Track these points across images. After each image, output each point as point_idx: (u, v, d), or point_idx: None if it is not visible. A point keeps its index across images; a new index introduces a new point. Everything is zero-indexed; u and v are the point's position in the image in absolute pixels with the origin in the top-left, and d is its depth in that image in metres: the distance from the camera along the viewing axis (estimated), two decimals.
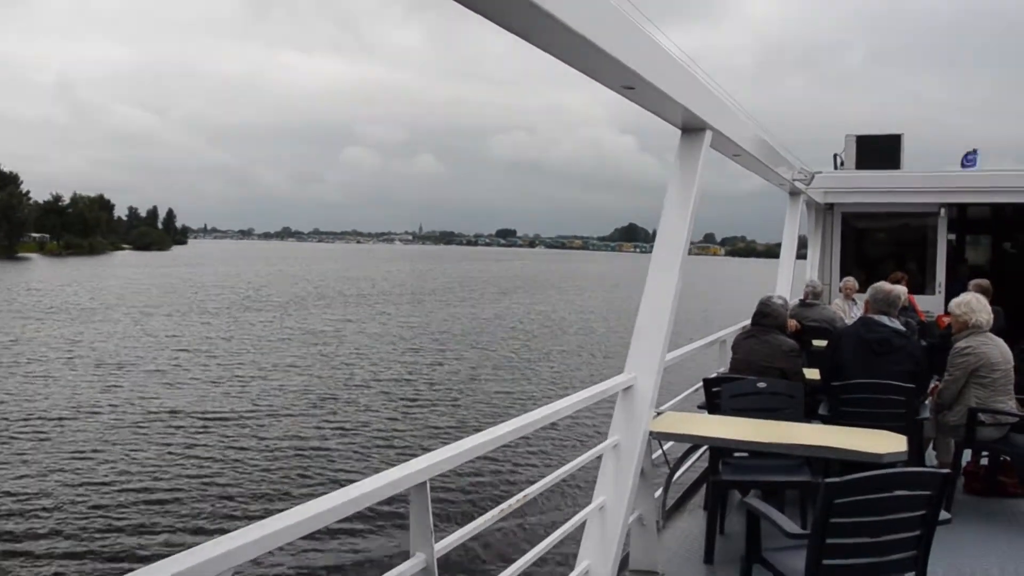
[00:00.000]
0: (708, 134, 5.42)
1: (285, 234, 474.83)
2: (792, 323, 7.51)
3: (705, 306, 48.12)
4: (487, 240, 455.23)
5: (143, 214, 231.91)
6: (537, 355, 29.47)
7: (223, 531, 2.24)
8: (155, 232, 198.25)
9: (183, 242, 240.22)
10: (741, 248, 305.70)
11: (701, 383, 6.33)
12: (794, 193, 11.23)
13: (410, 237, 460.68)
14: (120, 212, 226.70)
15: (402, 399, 20.46)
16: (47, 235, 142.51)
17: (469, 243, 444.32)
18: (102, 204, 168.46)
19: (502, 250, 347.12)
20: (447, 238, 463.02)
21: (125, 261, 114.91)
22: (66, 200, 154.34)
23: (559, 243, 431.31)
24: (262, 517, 2.27)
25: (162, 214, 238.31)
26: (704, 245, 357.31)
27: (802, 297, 9.76)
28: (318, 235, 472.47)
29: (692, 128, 5.39)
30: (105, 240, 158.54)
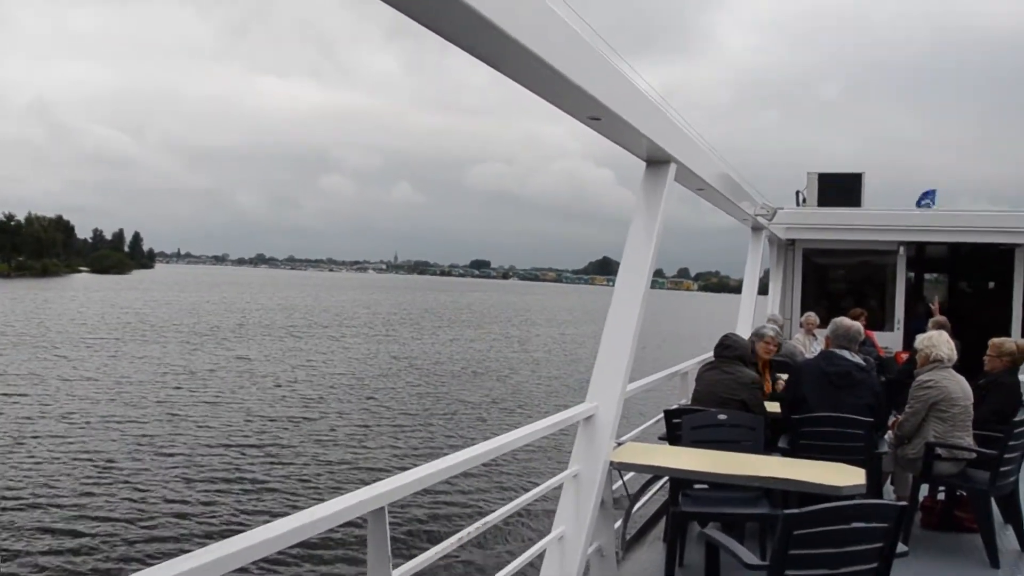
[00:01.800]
0: (672, 167, 5.45)
1: (259, 260, 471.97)
2: (764, 346, 7.57)
3: (669, 339, 47.93)
4: (461, 271, 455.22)
5: (109, 236, 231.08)
6: (500, 384, 29.18)
7: (171, 557, 2.13)
8: (115, 255, 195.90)
9: (148, 266, 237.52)
10: (714, 283, 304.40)
11: (662, 414, 6.31)
12: (756, 228, 11.28)
13: (384, 267, 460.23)
14: (87, 234, 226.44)
15: (361, 425, 20.20)
16: None
17: (443, 273, 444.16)
18: (59, 225, 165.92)
19: (475, 281, 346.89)
20: (421, 268, 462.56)
21: (71, 284, 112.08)
22: (20, 220, 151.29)
23: (533, 275, 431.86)
24: (213, 542, 2.22)
25: (133, 237, 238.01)
26: (678, 280, 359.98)
27: None
28: (292, 262, 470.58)
29: (656, 160, 5.42)
30: (60, 262, 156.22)
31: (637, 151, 5.24)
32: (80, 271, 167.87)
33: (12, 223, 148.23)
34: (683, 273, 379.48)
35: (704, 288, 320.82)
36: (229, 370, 29.54)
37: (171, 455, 16.43)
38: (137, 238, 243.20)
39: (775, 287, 12.98)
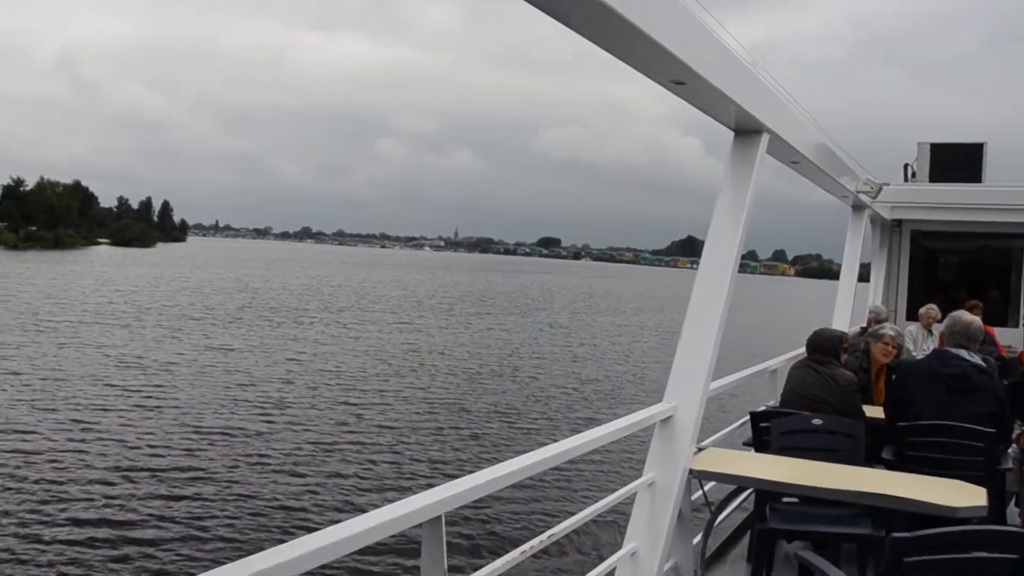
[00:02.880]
0: (764, 137, 5.43)
1: (305, 234, 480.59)
2: (882, 348, 7.45)
3: (758, 331, 46.84)
4: (527, 249, 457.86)
5: (136, 206, 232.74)
6: (571, 380, 28.85)
7: (217, 564, 2.22)
8: (137, 226, 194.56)
9: (179, 239, 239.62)
10: (815, 268, 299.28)
11: (748, 417, 6.32)
12: (858, 207, 11.20)
13: (442, 243, 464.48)
14: (113, 202, 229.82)
15: (417, 425, 20.14)
16: (5, 224, 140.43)
17: (507, 252, 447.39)
18: (75, 192, 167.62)
19: (543, 261, 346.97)
20: (483, 245, 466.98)
21: (79, 258, 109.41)
22: (30, 185, 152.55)
23: (608, 255, 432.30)
24: (257, 551, 2.29)
25: (162, 207, 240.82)
26: (772, 263, 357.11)
27: (864, 324, 9.66)
28: (341, 237, 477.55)
29: (746, 130, 5.42)
30: (76, 233, 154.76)
31: (725, 119, 5.22)
32: (100, 243, 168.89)
33: (21, 188, 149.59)
34: (779, 256, 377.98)
35: (803, 273, 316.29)
36: (186, 362, 27.84)
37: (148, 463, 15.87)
38: (167, 208, 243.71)
39: (877, 274, 12.79)
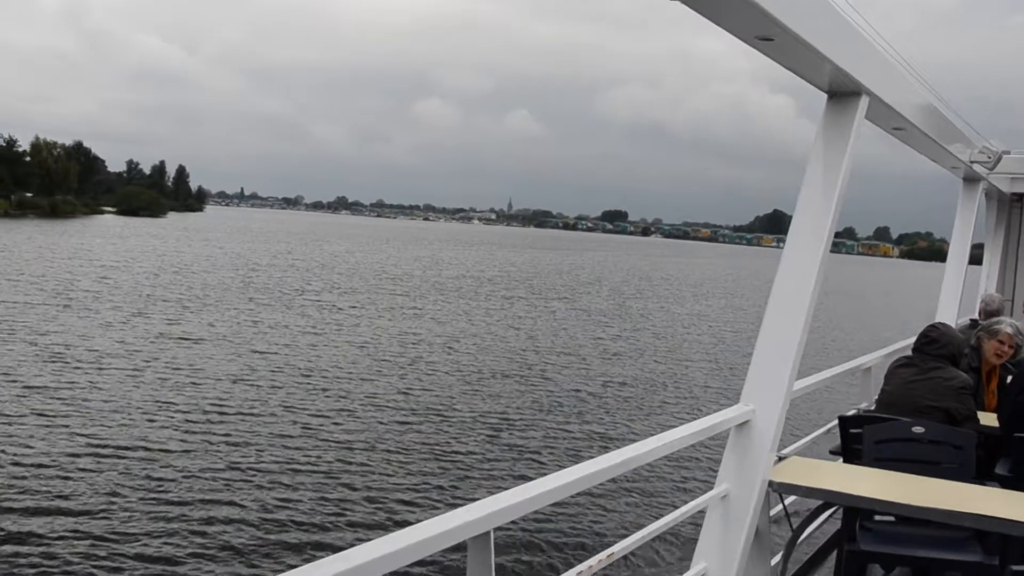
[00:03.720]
0: (864, 100, 5.34)
1: (340, 205, 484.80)
2: (996, 347, 7.23)
3: (851, 321, 45.86)
4: (589, 224, 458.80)
5: (148, 171, 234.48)
6: (631, 377, 28.52)
7: None
8: (146, 194, 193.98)
9: (196, 208, 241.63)
10: (922, 249, 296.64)
11: (836, 421, 6.29)
12: (971, 179, 11.02)
13: (493, 216, 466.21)
14: (120, 167, 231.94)
15: (460, 428, 19.89)
16: None
17: (567, 226, 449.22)
18: (74, 153, 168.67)
19: (607, 237, 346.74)
20: (540, 219, 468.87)
21: (70, 228, 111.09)
22: (24, 146, 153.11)
23: (682, 231, 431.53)
24: (289, 568, 2.34)
25: (177, 172, 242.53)
26: (874, 243, 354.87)
27: (975, 316, 9.67)
28: (380, 208, 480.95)
29: (843, 92, 5.34)
30: (76, 201, 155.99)
31: (817, 80, 5.17)
32: (105, 212, 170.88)
33: (15, 149, 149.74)
34: (881, 234, 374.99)
35: (909, 255, 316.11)
36: (124, 352, 26.77)
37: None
38: (182, 173, 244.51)
39: (991, 256, 12.67)
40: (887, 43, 5.62)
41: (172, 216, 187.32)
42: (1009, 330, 7.25)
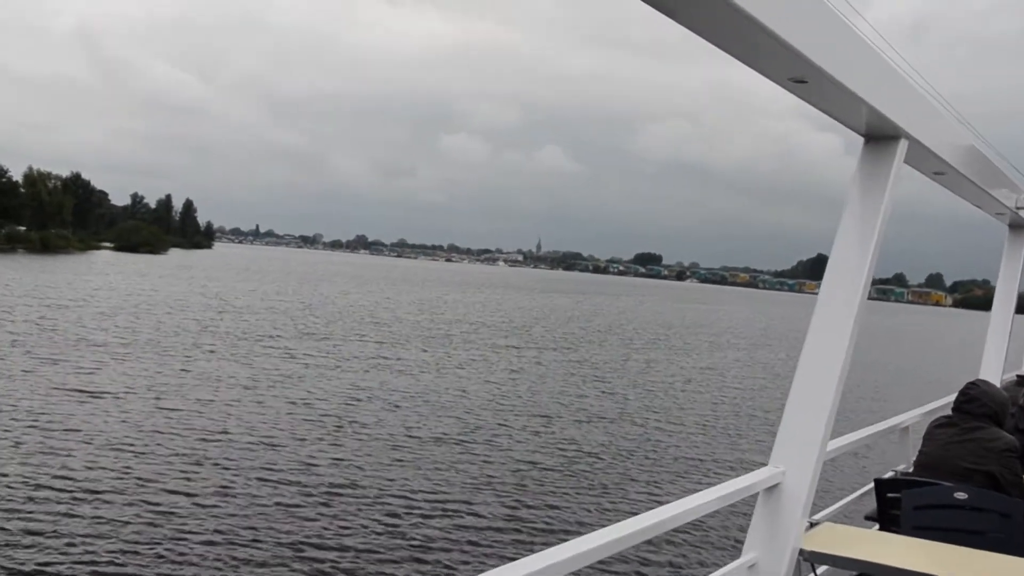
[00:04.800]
0: (903, 144, 5.53)
1: (359, 244, 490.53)
2: None
3: (890, 373, 45.91)
4: (621, 267, 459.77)
5: (153, 204, 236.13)
6: (642, 437, 26.72)
7: None
8: (146, 229, 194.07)
9: (204, 245, 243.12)
10: (977, 297, 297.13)
11: (872, 484, 6.64)
12: (1017, 226, 11.27)
13: (520, 257, 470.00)
14: (124, 200, 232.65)
15: (385, 512, 17.42)
16: None
17: (598, 269, 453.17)
18: (71, 185, 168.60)
19: (639, 281, 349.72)
20: (569, 261, 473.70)
21: (62, 265, 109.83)
22: (16, 177, 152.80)
23: (719, 276, 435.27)
24: None
25: (184, 206, 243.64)
26: (925, 290, 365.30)
27: (1021, 372, 10.44)
28: (402, 248, 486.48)
29: (880, 136, 5.55)
30: (71, 235, 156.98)
31: (853, 123, 5.33)
32: (102, 247, 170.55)
33: (5, 180, 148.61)
34: (934, 281, 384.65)
35: (962, 303, 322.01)
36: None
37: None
38: (189, 208, 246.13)
39: None
40: (927, 82, 5.96)
41: (174, 253, 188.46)
42: None
